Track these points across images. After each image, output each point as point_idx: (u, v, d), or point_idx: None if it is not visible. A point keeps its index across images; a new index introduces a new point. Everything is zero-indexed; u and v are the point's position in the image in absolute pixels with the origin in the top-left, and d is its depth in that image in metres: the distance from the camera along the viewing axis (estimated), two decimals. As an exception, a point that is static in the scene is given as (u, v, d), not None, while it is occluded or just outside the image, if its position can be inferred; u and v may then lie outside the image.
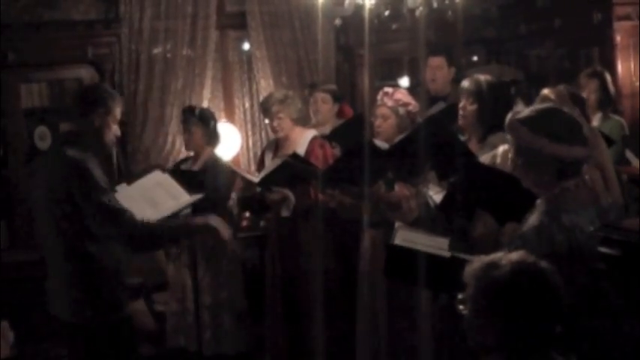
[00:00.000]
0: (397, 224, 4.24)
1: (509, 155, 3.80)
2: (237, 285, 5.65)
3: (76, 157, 3.85)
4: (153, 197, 4.29)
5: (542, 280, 2.34)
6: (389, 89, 4.92)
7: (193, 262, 5.53)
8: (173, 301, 5.65)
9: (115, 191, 4.04)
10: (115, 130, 4.06)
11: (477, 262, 2.42)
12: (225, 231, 4.21)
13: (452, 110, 4.50)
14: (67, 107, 6.56)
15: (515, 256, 2.40)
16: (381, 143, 4.48)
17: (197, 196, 4.40)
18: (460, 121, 4.31)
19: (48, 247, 4.00)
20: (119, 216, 3.83)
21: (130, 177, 4.77)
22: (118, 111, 4.06)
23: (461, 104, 4.29)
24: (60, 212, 3.83)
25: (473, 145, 4.20)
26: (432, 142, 3.98)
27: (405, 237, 3.60)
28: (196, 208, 5.30)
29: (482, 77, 4.30)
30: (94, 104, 3.98)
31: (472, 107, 4.23)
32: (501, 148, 3.93)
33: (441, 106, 5.38)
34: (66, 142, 3.97)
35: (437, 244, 3.47)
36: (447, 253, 3.35)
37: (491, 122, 4.15)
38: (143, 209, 4.01)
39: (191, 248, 5.52)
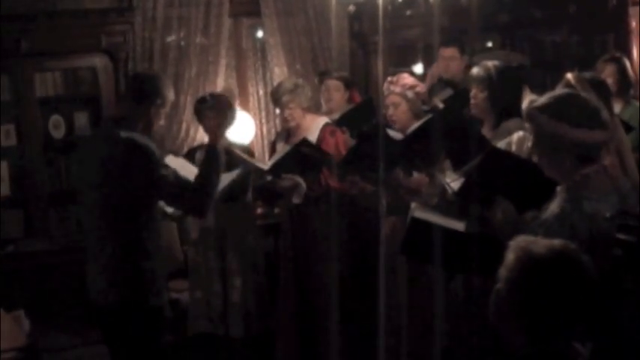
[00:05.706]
0: (413, 204, 4.23)
1: (527, 144, 3.80)
2: (261, 267, 5.65)
3: (131, 137, 3.88)
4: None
5: (580, 270, 2.32)
6: (392, 78, 4.89)
7: (221, 245, 5.50)
8: (196, 287, 5.61)
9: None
10: (162, 118, 4.12)
11: (519, 240, 2.40)
12: None
13: (462, 95, 4.48)
14: (81, 96, 6.67)
15: (557, 242, 2.38)
16: (394, 133, 4.46)
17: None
18: (473, 109, 4.30)
19: (92, 229, 4.01)
20: (186, 188, 3.98)
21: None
22: (169, 102, 4.11)
23: (472, 92, 4.27)
24: (112, 194, 3.86)
25: (486, 132, 4.18)
26: (446, 131, 3.97)
27: (422, 216, 3.59)
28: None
29: (491, 63, 4.26)
30: (152, 94, 4.00)
31: (483, 94, 4.19)
32: (516, 135, 3.92)
33: (448, 92, 5.37)
34: (116, 126, 3.98)
35: (454, 226, 3.47)
36: (463, 230, 3.35)
37: (502, 107, 4.14)
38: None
39: (220, 232, 5.50)
